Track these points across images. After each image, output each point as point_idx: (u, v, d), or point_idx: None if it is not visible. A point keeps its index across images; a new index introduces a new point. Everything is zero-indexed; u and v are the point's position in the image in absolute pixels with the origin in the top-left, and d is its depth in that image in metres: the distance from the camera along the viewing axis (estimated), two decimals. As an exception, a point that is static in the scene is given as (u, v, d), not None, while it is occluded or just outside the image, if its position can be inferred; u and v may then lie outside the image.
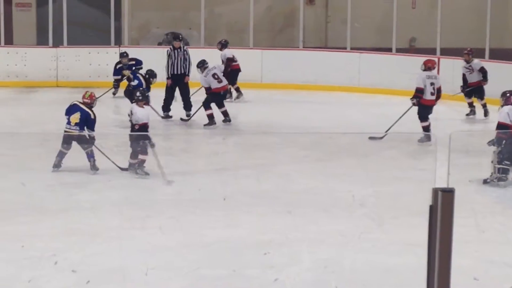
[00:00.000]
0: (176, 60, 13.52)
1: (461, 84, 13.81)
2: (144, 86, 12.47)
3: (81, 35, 17.69)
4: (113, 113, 14.32)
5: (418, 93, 11.53)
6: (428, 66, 11.73)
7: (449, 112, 13.07)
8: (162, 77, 13.65)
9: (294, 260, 6.79)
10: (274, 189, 8.92)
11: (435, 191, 3.15)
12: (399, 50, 16.92)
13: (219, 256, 6.92)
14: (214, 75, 12.84)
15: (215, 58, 14.66)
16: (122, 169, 9.55)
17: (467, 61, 13.84)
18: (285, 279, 6.40)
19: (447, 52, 15.63)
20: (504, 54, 15.85)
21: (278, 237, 7.26)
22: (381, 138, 11.34)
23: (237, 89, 15.21)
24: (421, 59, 12.67)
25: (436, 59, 13.86)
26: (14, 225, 7.58)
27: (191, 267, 6.63)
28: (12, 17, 18.39)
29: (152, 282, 6.37)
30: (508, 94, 9.71)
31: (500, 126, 9.50)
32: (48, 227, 7.59)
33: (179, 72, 13.49)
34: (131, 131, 9.83)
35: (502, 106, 9.64)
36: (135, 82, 12.79)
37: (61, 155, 9.55)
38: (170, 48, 13.75)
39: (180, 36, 14.17)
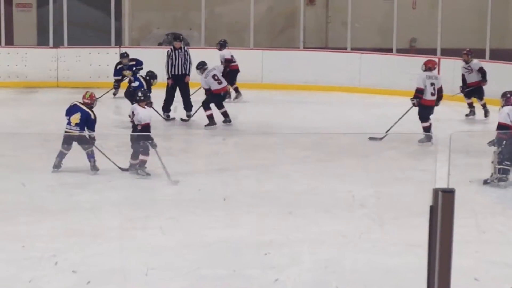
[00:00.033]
0: (176, 61, 13.52)
1: (461, 84, 13.83)
2: (144, 87, 12.47)
3: (82, 35, 17.70)
4: (113, 114, 14.32)
5: (418, 94, 11.52)
6: (428, 67, 11.73)
7: (449, 113, 13.07)
8: (162, 77, 13.65)
9: (294, 261, 6.78)
10: (274, 190, 8.92)
11: (436, 191, 3.15)
12: (400, 51, 16.93)
13: (220, 257, 6.91)
14: (214, 76, 12.84)
15: (215, 58, 14.69)
16: (122, 169, 9.55)
17: (466, 62, 13.85)
18: (286, 280, 6.40)
19: (448, 52, 15.63)
20: (505, 55, 15.85)
21: (278, 237, 7.26)
22: (381, 138, 11.34)
23: (236, 89, 15.21)
24: (421, 59, 12.67)
25: (436, 60, 13.86)
26: (15, 226, 7.58)
27: (192, 267, 6.63)
28: (12, 18, 18.40)
29: (153, 283, 6.37)
30: (508, 95, 9.70)
31: (501, 126, 9.50)
32: (49, 228, 7.59)
33: (179, 73, 13.49)
34: (133, 131, 9.82)
35: (502, 106, 9.64)
36: (136, 84, 12.79)
37: (61, 156, 9.55)
38: (171, 49, 13.75)
39: (181, 36, 14.17)
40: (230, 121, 12.81)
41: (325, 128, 12.79)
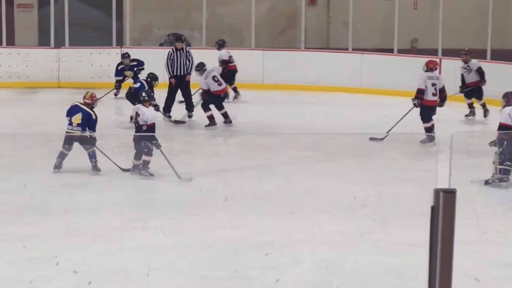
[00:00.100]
0: (178, 62, 13.52)
1: (460, 84, 13.84)
2: (146, 88, 12.47)
3: (83, 36, 17.71)
4: (114, 114, 14.33)
5: (419, 94, 11.52)
6: (430, 67, 11.73)
7: (449, 113, 13.06)
8: (162, 78, 13.64)
9: (295, 261, 6.78)
10: (275, 190, 8.92)
11: (437, 192, 3.15)
12: (401, 51, 16.93)
13: (221, 257, 6.91)
14: (214, 77, 12.84)
15: (216, 58, 14.71)
16: (123, 169, 9.55)
17: (465, 62, 13.86)
18: (287, 280, 6.40)
19: (449, 53, 15.63)
20: (506, 55, 15.85)
21: (279, 238, 7.26)
22: (382, 139, 11.34)
23: (235, 89, 15.21)
24: (422, 60, 12.66)
25: (437, 60, 13.85)
26: (16, 226, 7.59)
27: (192, 268, 6.63)
28: (14, 18, 18.41)
29: (154, 283, 6.37)
30: (509, 95, 9.70)
31: (502, 127, 9.50)
32: (50, 228, 7.59)
33: (181, 74, 13.50)
34: (137, 132, 9.79)
35: (503, 107, 9.64)
36: (137, 85, 12.80)
37: (62, 156, 9.55)
38: (173, 50, 13.75)
39: (183, 37, 14.17)
40: (230, 121, 12.81)
41: (326, 129, 12.79)
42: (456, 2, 17.62)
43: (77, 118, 9.70)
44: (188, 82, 13.46)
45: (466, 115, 13.76)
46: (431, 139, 11.25)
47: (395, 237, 7.27)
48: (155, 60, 15.09)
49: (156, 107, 11.33)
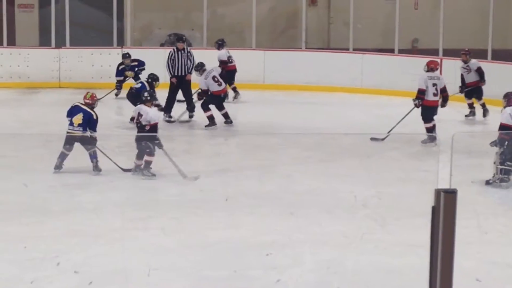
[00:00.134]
0: (179, 62, 13.52)
1: (460, 84, 13.84)
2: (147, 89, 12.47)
3: (84, 36, 17.71)
4: (115, 114, 14.33)
5: (420, 95, 11.52)
6: (430, 67, 11.73)
7: (449, 113, 13.05)
8: (163, 79, 13.64)
9: (296, 261, 6.78)
10: (276, 190, 8.92)
11: (438, 192, 3.15)
12: (402, 51, 16.92)
13: (221, 257, 6.91)
14: (214, 77, 12.85)
15: (217, 59, 14.72)
16: (124, 170, 9.55)
17: (465, 61, 13.87)
18: (288, 280, 6.40)
19: (450, 53, 15.62)
20: (507, 55, 15.85)
21: (280, 238, 7.26)
22: (383, 139, 11.33)
23: (234, 89, 15.21)
24: (423, 60, 12.66)
25: (438, 60, 13.85)
26: (17, 226, 7.59)
27: (193, 268, 6.63)
28: (14, 18, 18.41)
29: (154, 283, 6.37)
30: (510, 96, 9.70)
31: (503, 127, 9.50)
32: (51, 228, 7.59)
33: (182, 74, 13.49)
34: (140, 132, 9.78)
35: (504, 107, 9.64)
36: (139, 85, 12.81)
37: (62, 157, 9.54)
38: (174, 50, 13.75)
39: (184, 37, 14.17)
40: (231, 122, 12.81)
41: (327, 129, 12.79)
42: (457, 2, 17.61)
43: (78, 119, 9.70)
44: (189, 82, 13.45)
45: (466, 115, 13.76)
46: (432, 139, 11.25)
47: (396, 237, 7.26)
48: (155, 60, 15.09)
49: (159, 107, 11.34)
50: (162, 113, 12.43)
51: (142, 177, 9.44)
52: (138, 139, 9.73)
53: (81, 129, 9.66)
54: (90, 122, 9.72)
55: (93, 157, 9.55)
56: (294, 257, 6.88)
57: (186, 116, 13.31)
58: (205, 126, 12.63)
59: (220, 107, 12.82)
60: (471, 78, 13.78)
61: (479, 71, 13.72)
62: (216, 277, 6.48)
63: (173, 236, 7.38)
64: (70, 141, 9.64)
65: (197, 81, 13.09)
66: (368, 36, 18.10)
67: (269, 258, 6.81)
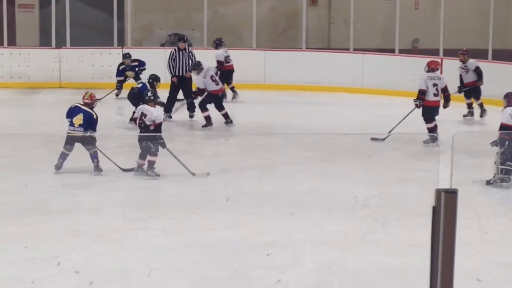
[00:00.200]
0: (180, 62, 13.52)
1: (459, 84, 13.83)
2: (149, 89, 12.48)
3: (84, 36, 17.70)
4: (116, 114, 14.33)
5: (421, 95, 11.53)
6: (431, 68, 11.73)
7: (450, 113, 13.04)
8: (164, 79, 13.63)
9: (297, 261, 6.78)
10: (276, 190, 8.92)
11: (438, 192, 3.15)
12: (402, 51, 16.91)
13: (222, 257, 6.91)
14: (211, 77, 12.85)
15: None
16: (124, 170, 9.55)
17: (463, 61, 13.86)
18: (288, 280, 6.40)
19: (450, 53, 15.60)
20: (507, 55, 15.84)
21: (280, 238, 7.26)
22: (383, 139, 11.33)
23: (232, 89, 15.20)
24: (424, 60, 12.65)
25: (439, 60, 13.84)
26: (17, 226, 7.59)
27: (194, 268, 6.63)
28: (15, 18, 18.40)
29: (155, 283, 6.37)
30: (511, 96, 9.70)
31: (503, 127, 9.50)
32: (51, 228, 7.59)
33: (183, 74, 13.49)
34: (144, 132, 9.76)
35: (505, 107, 9.64)
36: (140, 85, 12.80)
37: (63, 157, 9.54)
38: (175, 50, 13.74)
39: (185, 37, 14.17)
40: (231, 121, 12.81)
41: (327, 129, 12.79)
42: (458, 2, 17.60)
43: (79, 119, 9.70)
44: (190, 82, 13.44)
45: (464, 115, 13.76)
46: (434, 139, 11.25)
47: (397, 237, 7.26)
48: (156, 61, 15.07)
49: (162, 104, 11.31)
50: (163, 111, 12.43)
51: (146, 177, 9.44)
52: (142, 139, 9.71)
53: (82, 129, 9.66)
54: (90, 122, 9.72)
55: (94, 157, 9.55)
56: (295, 257, 6.88)
57: (184, 107, 13.30)
58: (202, 126, 12.64)
59: (219, 107, 12.81)
60: (469, 78, 13.77)
61: (477, 71, 13.71)
62: (216, 277, 6.48)
63: (174, 236, 7.38)
64: (70, 141, 9.63)
65: (195, 81, 13.08)
66: (369, 36, 18.09)
67: (270, 258, 6.81)
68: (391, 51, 16.83)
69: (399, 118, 11.68)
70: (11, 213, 7.93)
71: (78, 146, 9.60)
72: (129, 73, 15.15)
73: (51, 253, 6.82)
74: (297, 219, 7.69)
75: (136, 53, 15.68)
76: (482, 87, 13.70)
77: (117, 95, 15.43)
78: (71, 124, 9.71)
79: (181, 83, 13.47)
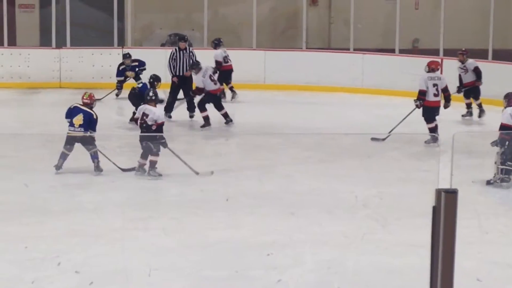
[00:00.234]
0: (181, 61, 13.52)
1: (458, 84, 13.83)
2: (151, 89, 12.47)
3: (84, 36, 17.70)
4: (116, 115, 14.33)
5: (421, 96, 11.53)
6: (431, 68, 11.73)
7: (450, 113, 13.05)
8: (164, 79, 13.62)
9: (297, 261, 6.78)
10: (276, 190, 8.92)
11: (438, 192, 3.15)
12: (402, 51, 16.91)
13: (222, 257, 6.91)
14: (210, 76, 12.86)
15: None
16: (123, 170, 9.55)
17: (462, 61, 13.85)
18: (288, 280, 6.40)
19: (450, 53, 15.60)
20: (507, 55, 15.83)
21: (281, 238, 7.25)
22: (384, 139, 11.33)
23: (231, 89, 15.19)
24: (424, 60, 12.65)
25: (439, 60, 13.84)
26: (17, 226, 7.59)
27: (194, 268, 6.63)
28: (15, 18, 18.40)
29: (155, 283, 6.37)
30: (511, 96, 9.70)
31: (503, 127, 9.50)
32: (51, 228, 7.59)
33: (184, 74, 13.49)
34: (146, 132, 9.75)
35: (505, 107, 9.64)
36: (140, 85, 12.79)
37: (63, 157, 9.54)
38: (176, 49, 13.74)
39: (186, 37, 14.17)
40: (231, 120, 12.79)
41: (328, 129, 12.79)
42: (458, 2, 17.60)
43: (79, 119, 9.69)
44: (191, 82, 13.44)
45: (463, 115, 13.75)
46: (435, 139, 11.24)
47: (397, 238, 7.26)
48: (156, 61, 15.07)
49: (162, 101, 11.33)
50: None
51: (148, 178, 9.45)
52: (143, 139, 9.70)
53: (82, 129, 9.65)
54: (90, 122, 9.71)
55: (95, 157, 9.55)
56: (295, 257, 6.88)
57: (183, 106, 13.30)
58: (200, 126, 12.64)
59: (219, 107, 12.81)
60: (469, 78, 13.77)
61: (476, 71, 13.71)
62: (216, 277, 6.48)
63: (174, 236, 7.38)
64: (70, 141, 9.63)
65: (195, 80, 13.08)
66: (369, 36, 18.09)
67: (270, 258, 6.80)
68: (391, 51, 16.83)
69: (399, 118, 11.68)
70: (11, 213, 7.93)
71: (78, 146, 9.60)
72: (129, 73, 15.15)
73: (51, 253, 6.82)
74: (297, 219, 7.69)
75: (136, 53, 15.69)
76: (482, 87, 13.70)
77: (117, 95, 15.43)
78: (71, 124, 9.71)
79: (181, 83, 13.47)
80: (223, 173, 9.61)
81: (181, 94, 13.56)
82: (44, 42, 17.84)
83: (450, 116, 12.65)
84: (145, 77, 13.46)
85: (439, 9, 16.66)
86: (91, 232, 7.47)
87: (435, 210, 3.16)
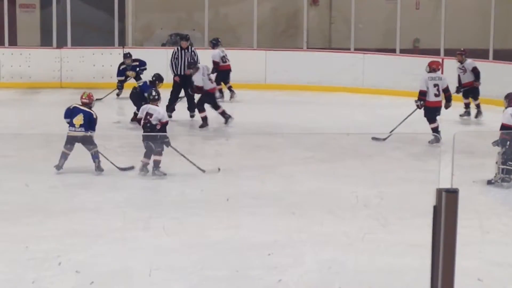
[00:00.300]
0: (182, 61, 13.52)
1: (457, 84, 13.82)
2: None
3: (85, 36, 17.71)
4: (116, 114, 14.33)
5: (422, 96, 11.53)
6: (432, 68, 11.73)
7: (451, 113, 13.05)
8: (166, 78, 13.62)
9: (298, 261, 6.78)
10: (277, 190, 8.92)
11: (439, 191, 3.15)
12: (403, 51, 16.91)
13: (223, 257, 6.91)
14: (208, 75, 12.88)
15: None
16: (122, 169, 9.55)
17: (460, 62, 13.84)
18: (289, 280, 6.40)
19: (451, 53, 15.59)
20: (508, 55, 15.83)
21: (281, 238, 7.25)
22: (384, 139, 11.33)
23: (230, 88, 15.19)
24: (425, 60, 12.65)
25: (440, 60, 13.84)
26: (18, 226, 7.59)
27: (195, 268, 6.63)
28: (16, 18, 18.42)
29: (156, 283, 6.37)
30: (512, 96, 9.71)
31: (504, 127, 9.49)
32: (52, 228, 7.59)
33: (185, 72, 13.50)
34: (150, 131, 9.74)
35: (506, 107, 9.64)
36: (141, 83, 12.79)
37: (64, 157, 9.54)
38: (177, 49, 13.75)
39: (187, 36, 14.17)
40: (230, 116, 12.76)
41: (328, 129, 12.79)
42: (459, 2, 17.60)
43: (79, 119, 9.69)
44: (192, 81, 13.44)
45: (461, 115, 13.75)
46: (437, 139, 11.24)
47: (398, 237, 7.26)
48: (157, 60, 15.09)
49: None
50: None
51: (153, 177, 9.45)
52: (146, 139, 9.69)
53: (83, 129, 9.65)
54: (90, 122, 9.71)
55: (95, 157, 9.55)
56: (296, 257, 6.87)
57: (181, 103, 13.31)
58: (199, 127, 12.65)
59: (215, 106, 12.80)
60: (467, 78, 13.76)
61: (475, 71, 13.69)
62: (217, 277, 6.48)
63: (174, 236, 7.38)
64: (71, 141, 9.63)
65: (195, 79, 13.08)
66: (370, 36, 18.09)
67: (271, 258, 6.80)
68: (392, 51, 16.83)
69: (400, 118, 11.68)
70: (12, 213, 7.93)
71: (79, 146, 9.59)
72: (130, 73, 15.15)
73: (52, 253, 6.82)
74: (298, 219, 7.69)
75: (137, 53, 15.69)
76: (482, 87, 13.69)
77: (118, 95, 15.44)
78: (72, 124, 9.70)
79: (183, 82, 13.47)
80: (223, 173, 9.61)
81: (182, 94, 13.57)
82: (45, 42, 17.86)
83: (450, 116, 12.65)
84: (145, 77, 13.46)
85: (440, 9, 16.66)
86: (91, 232, 7.47)
87: (436, 210, 3.16)
